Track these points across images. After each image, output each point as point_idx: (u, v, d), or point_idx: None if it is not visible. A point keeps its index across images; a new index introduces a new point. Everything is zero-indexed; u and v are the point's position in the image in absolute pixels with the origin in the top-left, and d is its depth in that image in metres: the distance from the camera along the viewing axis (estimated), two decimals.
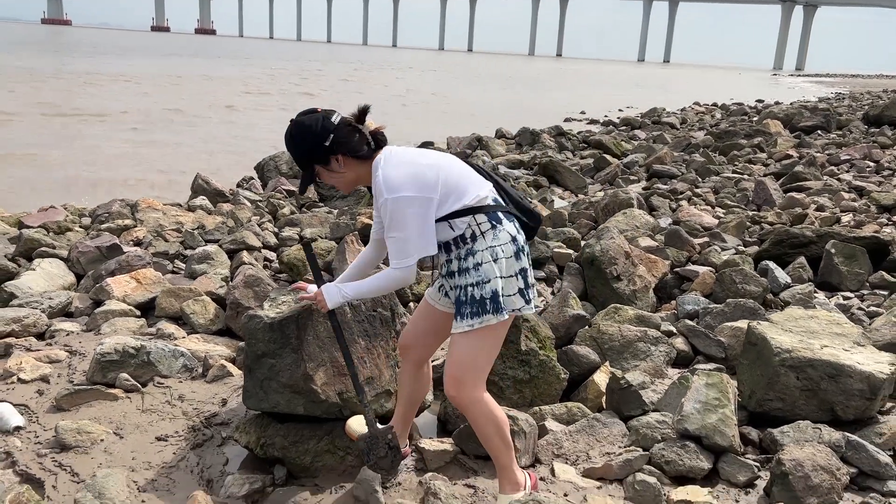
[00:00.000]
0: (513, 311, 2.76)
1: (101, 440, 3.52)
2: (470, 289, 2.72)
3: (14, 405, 3.77)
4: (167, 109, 21.36)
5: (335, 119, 2.74)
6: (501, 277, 2.71)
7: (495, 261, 2.71)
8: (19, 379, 4.08)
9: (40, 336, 4.84)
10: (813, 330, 3.98)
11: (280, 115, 21.16)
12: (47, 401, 3.90)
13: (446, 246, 2.80)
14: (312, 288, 3.13)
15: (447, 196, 2.70)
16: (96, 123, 17.84)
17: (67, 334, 4.83)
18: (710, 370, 3.67)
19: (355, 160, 2.77)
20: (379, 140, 2.81)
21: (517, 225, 2.84)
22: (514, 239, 2.77)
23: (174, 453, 3.48)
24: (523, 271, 2.78)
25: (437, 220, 2.71)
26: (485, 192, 2.79)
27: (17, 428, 3.58)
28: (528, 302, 2.80)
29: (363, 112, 2.79)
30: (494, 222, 2.75)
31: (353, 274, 3.11)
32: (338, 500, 3.15)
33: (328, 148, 2.72)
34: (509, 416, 3.41)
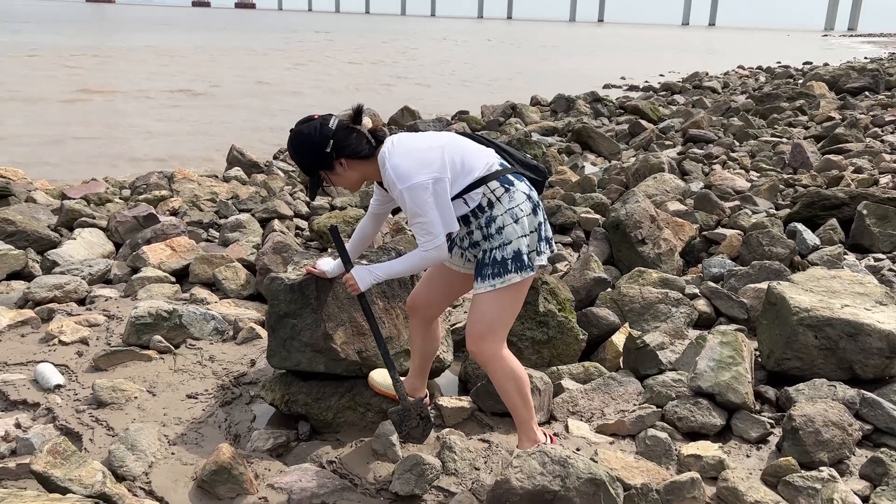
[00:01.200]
0: (538, 266, 2.85)
1: (135, 397, 3.70)
2: (494, 251, 2.78)
3: (55, 365, 3.97)
4: (210, 84, 21.65)
5: (332, 124, 2.79)
6: (524, 236, 2.78)
7: (516, 221, 2.77)
8: (60, 341, 4.28)
9: (81, 302, 5.06)
10: (834, 290, 3.95)
11: (316, 89, 21.30)
12: (86, 361, 4.09)
13: (464, 219, 2.84)
14: (325, 264, 3.31)
15: (457, 174, 2.76)
16: (141, 99, 18.19)
17: (106, 300, 5.04)
18: (720, 329, 3.67)
19: (359, 161, 2.82)
20: (379, 136, 2.87)
21: (528, 182, 2.90)
22: (528, 196, 2.84)
23: (203, 410, 3.64)
24: (540, 225, 2.86)
25: (452, 198, 2.76)
26: (491, 158, 2.85)
27: (58, 386, 3.78)
28: (546, 252, 2.91)
29: (358, 112, 2.86)
30: (507, 185, 2.81)
31: (356, 247, 3.23)
32: (357, 453, 3.27)
33: (330, 154, 2.77)
34: None
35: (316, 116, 2.85)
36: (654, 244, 5.41)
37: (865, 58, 43.88)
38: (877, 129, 11.38)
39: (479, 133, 3.07)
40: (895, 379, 3.60)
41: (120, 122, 14.82)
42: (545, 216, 2.93)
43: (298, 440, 3.46)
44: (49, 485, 2.79)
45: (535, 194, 2.90)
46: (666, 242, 5.44)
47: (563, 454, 2.65)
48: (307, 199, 7.57)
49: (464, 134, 2.99)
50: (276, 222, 6.35)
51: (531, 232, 2.81)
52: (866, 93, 17.46)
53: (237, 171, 8.54)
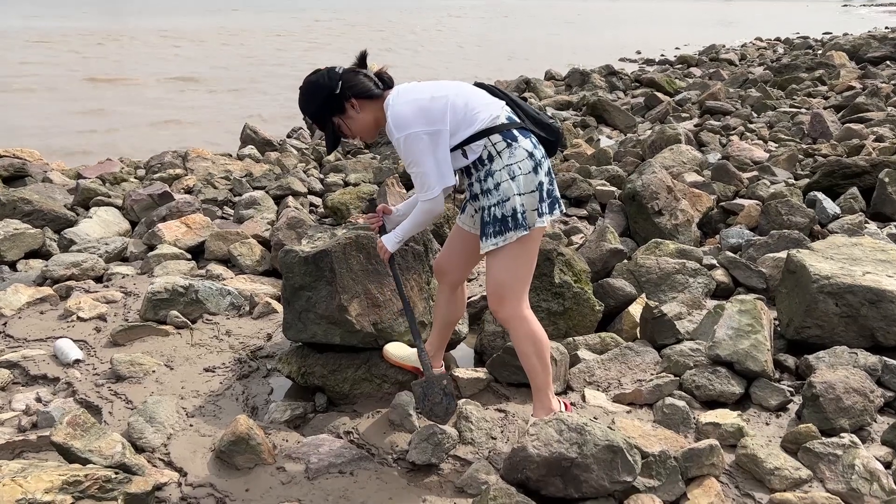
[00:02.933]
0: (535, 226, 2.78)
1: (153, 371, 3.72)
2: (492, 209, 2.75)
3: (74, 341, 4.01)
4: (217, 67, 21.61)
5: (339, 69, 2.84)
6: (520, 194, 2.71)
7: (513, 178, 2.72)
8: (78, 317, 4.31)
9: (98, 279, 5.09)
10: (856, 257, 3.89)
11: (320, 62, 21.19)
12: (104, 337, 4.12)
13: (467, 170, 2.83)
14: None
15: (458, 124, 2.72)
16: (150, 83, 18.19)
17: (123, 277, 5.06)
18: (739, 298, 3.63)
19: (369, 101, 2.82)
20: (385, 79, 2.87)
21: (534, 140, 2.82)
22: (530, 154, 2.76)
23: (221, 383, 3.66)
24: (541, 185, 2.77)
25: (452, 149, 2.74)
26: (497, 110, 2.78)
27: (77, 361, 3.81)
28: (548, 213, 2.81)
29: (362, 57, 2.88)
30: (510, 140, 2.75)
31: (406, 207, 3.19)
32: (374, 424, 3.27)
33: (340, 94, 2.79)
34: None
35: (323, 68, 2.89)
36: (670, 215, 5.35)
37: (886, 27, 43.03)
38: None
39: (493, 87, 2.96)
40: None
41: (131, 110, 14.83)
42: (552, 175, 2.87)
43: (315, 412, 3.47)
44: (69, 456, 2.82)
45: (539, 153, 2.80)
46: (683, 213, 5.38)
47: (580, 421, 2.64)
48: (321, 176, 7.56)
49: (478, 84, 2.91)
50: (290, 199, 6.35)
51: (530, 192, 2.73)
52: (888, 62, 17.12)
53: (251, 150, 8.53)
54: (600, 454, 2.55)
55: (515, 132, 2.77)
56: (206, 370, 3.77)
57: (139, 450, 3.03)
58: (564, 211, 2.96)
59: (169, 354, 3.91)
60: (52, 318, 4.37)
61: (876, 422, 3.05)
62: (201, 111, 14.22)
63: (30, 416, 3.35)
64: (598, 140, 8.88)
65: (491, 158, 2.75)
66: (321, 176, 7.50)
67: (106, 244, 5.46)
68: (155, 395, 3.45)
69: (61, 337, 4.05)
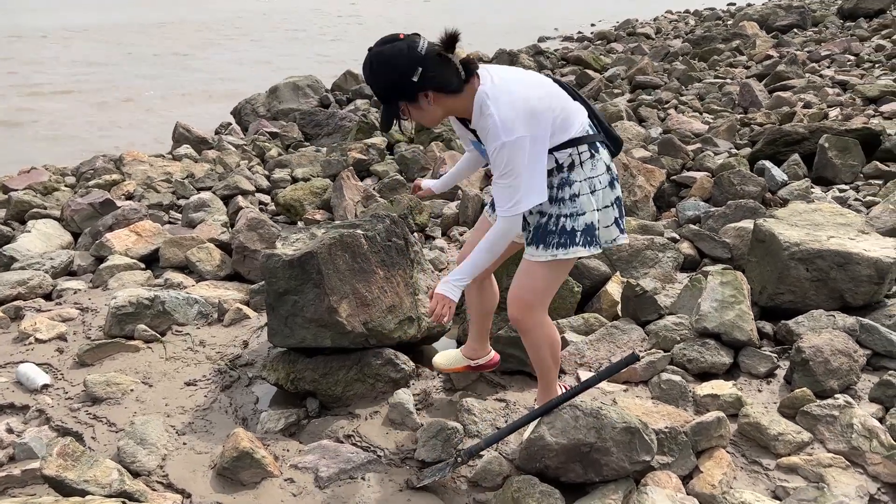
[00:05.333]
0: (608, 242, 2.65)
1: (131, 390, 3.55)
2: (562, 219, 2.55)
3: (37, 364, 3.79)
4: (129, 63, 20.74)
5: (422, 48, 2.37)
6: (598, 210, 2.58)
7: (592, 192, 2.56)
8: (37, 339, 4.08)
9: (47, 297, 4.83)
10: (818, 222, 4.04)
11: (234, 56, 20.66)
12: (68, 358, 3.91)
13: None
14: (428, 182, 3.18)
15: (556, 130, 2.48)
16: (52, 92, 17.29)
17: (75, 292, 4.81)
18: (719, 270, 3.72)
19: (445, 95, 2.44)
20: (470, 69, 2.46)
21: (608, 153, 2.65)
22: (608, 168, 2.61)
23: (205, 396, 3.53)
24: (618, 199, 2.65)
25: None
26: (584, 118, 2.60)
27: (45, 386, 3.61)
28: (622, 231, 2.68)
29: (452, 38, 2.40)
30: (593, 151, 2.56)
31: (454, 173, 3.07)
32: (374, 425, 3.22)
33: (416, 83, 2.38)
34: None
35: (401, 36, 2.42)
36: (629, 192, 5.44)
37: None
38: (814, 64, 11.67)
39: (570, 87, 2.73)
40: (881, 304, 3.72)
41: (43, 108, 14.08)
42: (621, 193, 2.71)
43: (309, 417, 3.39)
44: (63, 488, 2.67)
45: (614, 166, 2.66)
46: (641, 189, 5.48)
47: (595, 406, 2.66)
48: (266, 172, 7.36)
49: (556, 81, 2.65)
50: (240, 198, 6.16)
51: (605, 207, 2.60)
52: (795, 30, 17.85)
53: (187, 149, 8.23)
54: (618, 436, 2.58)
55: (598, 143, 2.59)
56: (188, 384, 3.63)
57: (134, 474, 2.90)
58: (626, 235, 2.75)
59: (144, 371, 3.74)
60: (7, 341, 4.12)
61: (860, 380, 3.18)
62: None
63: (4, 448, 3.16)
64: None
65: (572, 167, 2.55)
66: (266, 172, 7.29)
67: (51, 259, 5.17)
68: (140, 416, 3.30)
69: (22, 362, 3.83)
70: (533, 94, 2.45)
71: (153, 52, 21.89)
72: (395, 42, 2.39)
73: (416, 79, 2.36)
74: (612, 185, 2.63)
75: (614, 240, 2.68)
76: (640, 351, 3.58)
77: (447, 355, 3.33)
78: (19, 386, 3.63)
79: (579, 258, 2.58)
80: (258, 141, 8.71)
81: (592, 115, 2.66)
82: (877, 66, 11.20)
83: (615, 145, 2.71)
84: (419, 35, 2.43)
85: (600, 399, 3.22)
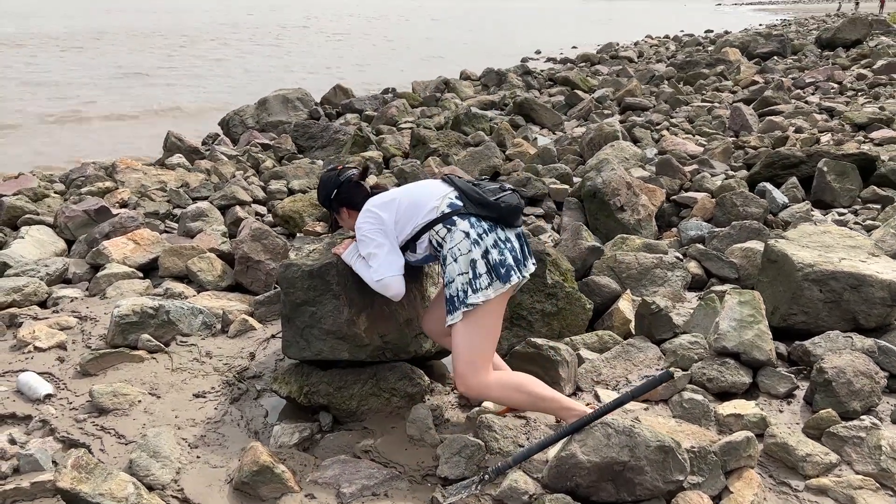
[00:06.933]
0: (471, 305, 2.87)
1: (139, 401, 3.45)
2: (447, 288, 2.95)
3: (37, 373, 3.67)
4: (103, 75, 20.53)
5: (343, 177, 3.28)
6: (461, 274, 2.89)
7: (455, 261, 2.90)
8: (36, 347, 3.96)
9: (42, 304, 4.70)
10: (828, 244, 4.07)
11: (202, 74, 20.54)
12: (70, 367, 3.80)
13: (434, 258, 3.12)
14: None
15: (404, 220, 3.03)
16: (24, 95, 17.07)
17: (72, 300, 4.69)
18: (737, 289, 3.72)
19: (355, 211, 3.21)
20: (376, 193, 3.23)
21: (472, 220, 2.95)
22: (466, 234, 2.92)
23: (215, 409, 3.44)
24: (473, 262, 2.88)
25: (403, 247, 3.07)
26: (437, 202, 3.01)
27: (48, 396, 3.49)
28: (484, 288, 2.87)
29: (364, 171, 3.37)
30: (449, 226, 2.95)
31: None
32: (392, 441, 3.15)
33: (335, 199, 3.28)
34: (550, 347, 3.44)
35: (338, 167, 3.38)
36: (633, 211, 5.45)
37: (760, 24, 45.77)
38: (799, 90, 11.88)
39: (447, 176, 3.21)
40: (893, 327, 3.74)
41: (24, 117, 13.87)
42: (505, 245, 2.94)
43: (322, 432, 3.32)
44: (77, 502, 2.58)
45: (476, 231, 2.92)
46: (644, 208, 5.50)
47: (627, 424, 2.63)
48: (261, 183, 7.29)
49: (445, 179, 3.15)
50: (238, 209, 6.07)
51: (465, 272, 2.89)
52: (775, 57, 18.20)
53: (179, 158, 8.12)
54: (652, 455, 2.55)
55: (455, 218, 2.96)
56: (197, 396, 3.54)
57: (149, 488, 2.80)
58: (525, 276, 3.04)
59: (151, 382, 3.65)
60: (5, 349, 3.99)
61: (881, 401, 3.19)
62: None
63: (7, 460, 3.04)
64: (536, 139, 8.96)
65: (441, 245, 2.98)
66: (262, 183, 7.21)
67: (46, 266, 5.04)
68: (148, 427, 3.21)
69: (23, 370, 3.71)
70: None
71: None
72: (331, 171, 3.38)
73: (332, 196, 3.28)
74: (470, 249, 2.89)
75: (471, 299, 2.88)
76: (656, 369, 3.56)
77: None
78: (20, 395, 3.51)
79: (475, 306, 2.89)
80: (252, 152, 8.62)
81: (463, 193, 3.03)
82: (859, 94, 11.43)
83: (492, 210, 2.96)
84: (349, 169, 3.36)
85: (622, 417, 3.19)
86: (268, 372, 3.81)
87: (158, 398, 3.51)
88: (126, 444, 3.12)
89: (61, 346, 4.02)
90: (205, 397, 3.53)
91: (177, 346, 4.03)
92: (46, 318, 4.40)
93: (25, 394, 3.51)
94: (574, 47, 30.32)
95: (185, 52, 25.83)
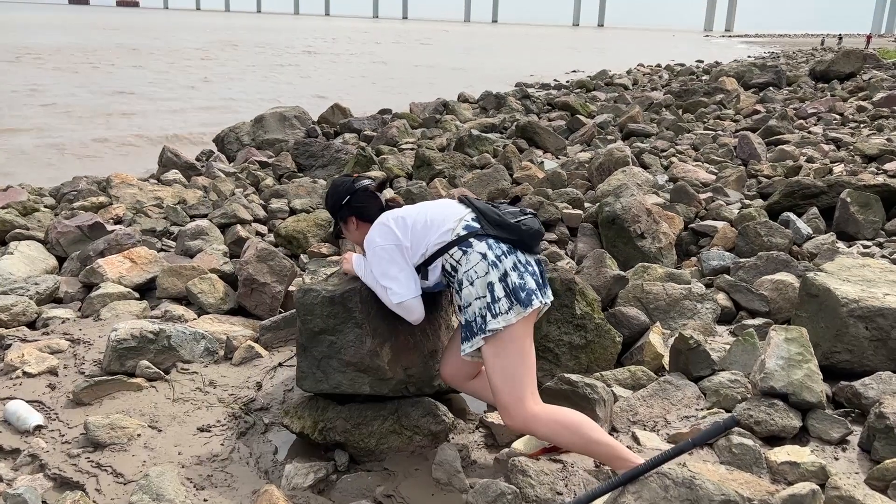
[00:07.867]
0: (491, 331, 2.70)
1: (138, 435, 3.17)
2: (463, 315, 2.80)
3: (26, 402, 3.38)
4: (102, 91, 20.29)
5: (358, 185, 3.13)
6: (479, 298, 2.73)
7: (471, 284, 2.75)
8: (25, 373, 3.67)
9: (31, 325, 4.42)
10: (869, 279, 3.87)
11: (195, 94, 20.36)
12: (62, 395, 3.52)
13: (448, 284, 2.92)
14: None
15: (417, 242, 2.86)
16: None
17: (63, 321, 4.42)
18: (783, 326, 3.51)
19: (365, 222, 3.08)
20: (391, 207, 3.10)
21: (490, 242, 2.79)
22: (483, 256, 2.75)
23: (222, 444, 3.16)
24: (491, 285, 2.71)
25: (418, 269, 2.89)
26: (453, 224, 2.85)
27: (38, 427, 3.21)
28: (504, 312, 2.69)
29: (382, 183, 3.24)
30: (465, 248, 2.79)
31: None
32: (416, 484, 2.89)
33: (344, 207, 3.11)
34: (587, 385, 3.20)
35: (354, 175, 3.26)
36: (653, 238, 5.25)
37: (749, 56, 46.28)
38: (802, 120, 11.81)
39: (464, 198, 3.04)
40: None
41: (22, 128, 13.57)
42: (525, 269, 2.78)
43: (337, 472, 3.04)
44: None
45: (494, 253, 2.76)
46: (665, 236, 5.30)
47: (687, 475, 2.38)
48: (262, 202, 7.04)
49: (462, 199, 2.99)
50: (238, 228, 5.81)
51: (482, 296, 2.73)
52: (771, 88, 18.23)
53: (176, 174, 7.85)
54: None
55: (471, 240, 2.80)
56: (201, 430, 3.26)
57: None
58: (548, 302, 2.86)
59: (151, 413, 3.36)
60: None
61: None
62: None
63: None
64: (542, 163, 8.79)
65: (455, 269, 2.82)
66: (262, 202, 6.96)
67: (35, 284, 4.76)
68: (149, 465, 2.93)
69: (10, 398, 3.42)
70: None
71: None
72: (345, 177, 3.27)
73: (343, 203, 3.11)
74: (490, 269, 2.72)
75: (492, 325, 2.71)
76: (696, 409, 3.33)
77: (528, 441, 3.10)
78: (7, 426, 3.22)
79: (488, 338, 2.73)
80: (251, 169, 8.37)
81: (480, 214, 2.87)
82: (862, 125, 11.37)
83: (511, 233, 2.81)
84: (366, 178, 3.23)
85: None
86: (276, 404, 3.54)
87: (159, 432, 3.23)
88: (125, 485, 2.84)
89: (52, 371, 3.74)
90: (210, 431, 3.26)
91: (177, 373, 3.76)
92: (36, 339, 4.12)
93: (13, 424, 3.23)
94: (567, 73, 30.46)
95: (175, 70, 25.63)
